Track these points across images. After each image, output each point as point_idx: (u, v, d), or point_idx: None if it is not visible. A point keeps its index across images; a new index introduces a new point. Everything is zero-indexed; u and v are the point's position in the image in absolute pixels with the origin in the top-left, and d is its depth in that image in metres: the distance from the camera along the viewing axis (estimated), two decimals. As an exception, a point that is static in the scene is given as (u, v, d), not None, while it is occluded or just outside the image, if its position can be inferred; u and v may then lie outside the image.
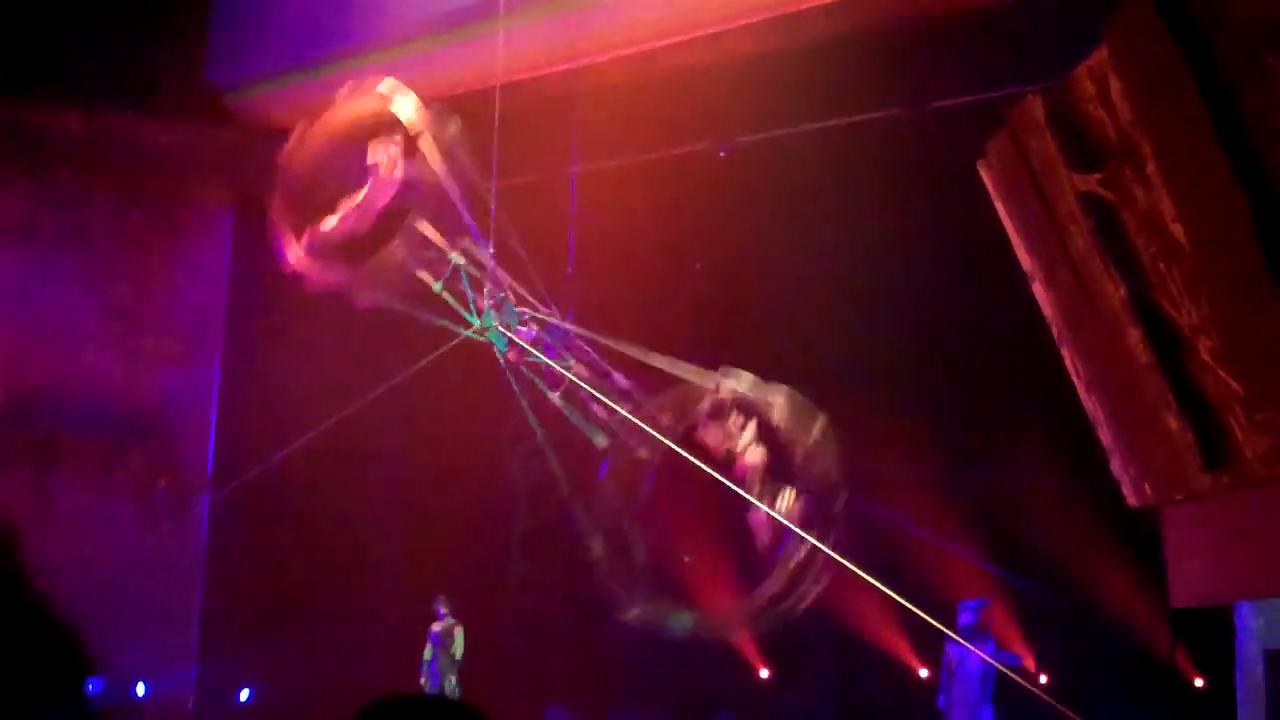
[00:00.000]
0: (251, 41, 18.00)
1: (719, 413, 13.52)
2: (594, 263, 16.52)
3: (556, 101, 16.36)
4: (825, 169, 16.22)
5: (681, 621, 13.75)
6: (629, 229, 16.70)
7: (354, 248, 14.21)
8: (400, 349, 16.74)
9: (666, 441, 13.27)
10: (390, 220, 14.09)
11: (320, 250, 14.11)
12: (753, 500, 12.95)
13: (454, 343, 14.57)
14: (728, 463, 13.35)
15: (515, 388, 14.31)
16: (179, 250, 18.92)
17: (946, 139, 14.07)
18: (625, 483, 13.82)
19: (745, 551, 13.66)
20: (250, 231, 19.30)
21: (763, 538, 13.24)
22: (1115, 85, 5.06)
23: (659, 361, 13.56)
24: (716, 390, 13.53)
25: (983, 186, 6.00)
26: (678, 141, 17.03)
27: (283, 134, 18.35)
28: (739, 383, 13.54)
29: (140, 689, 17.85)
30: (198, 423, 18.86)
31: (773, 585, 12.97)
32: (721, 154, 16.93)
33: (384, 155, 13.73)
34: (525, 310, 14.44)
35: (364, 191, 13.88)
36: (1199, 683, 16.40)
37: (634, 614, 13.53)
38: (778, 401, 13.37)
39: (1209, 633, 14.18)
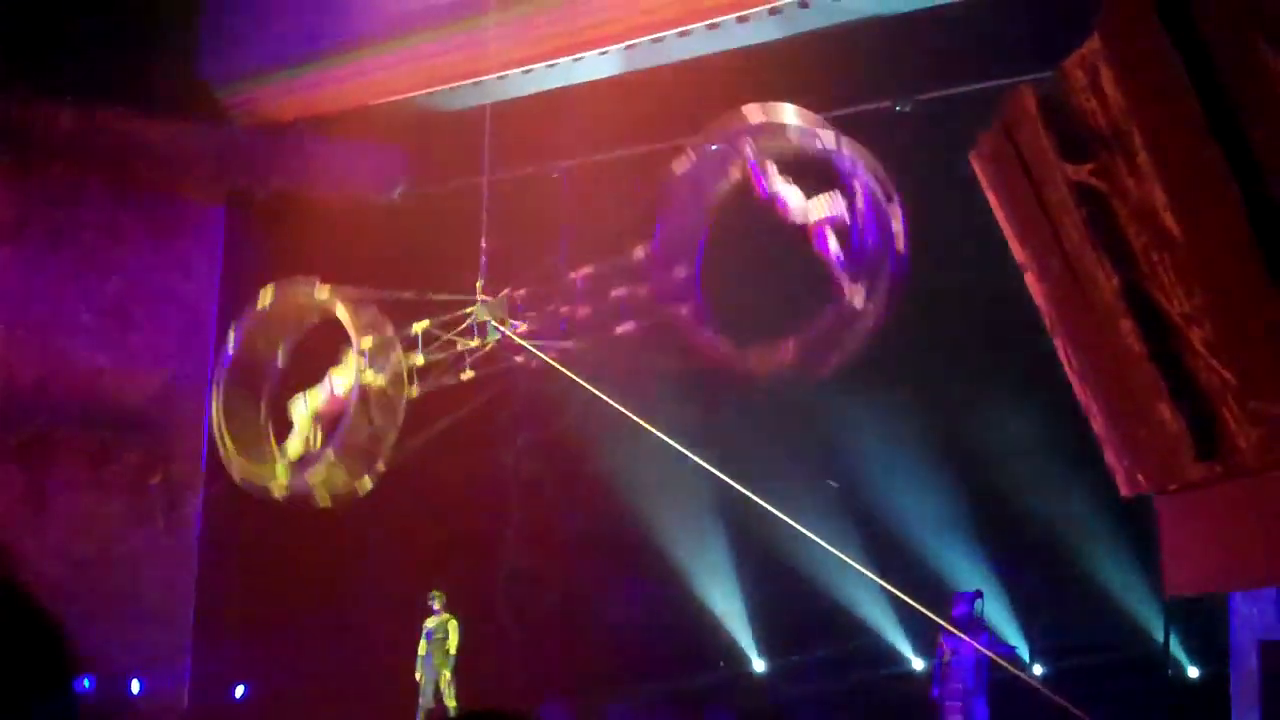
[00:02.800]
0: (243, 36, 17.96)
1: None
2: (587, 257, 16.50)
3: (549, 95, 16.35)
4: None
5: None
6: (621, 223, 16.69)
7: None
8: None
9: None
10: None
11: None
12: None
13: (447, 337, 14.58)
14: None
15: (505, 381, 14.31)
16: (171, 245, 18.87)
17: (938, 129, 14.08)
18: None
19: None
20: (242, 226, 19.28)
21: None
22: (1107, 75, 5.05)
23: None
24: None
25: (975, 177, 6.00)
26: (670, 135, 17.02)
27: (274, 129, 18.38)
28: None
29: (135, 686, 17.83)
30: (191, 419, 18.81)
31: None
32: (713, 149, 16.91)
33: None
34: (519, 304, 14.45)
35: None
36: (1193, 671, 16.44)
37: None
38: None
39: (1203, 622, 14.23)
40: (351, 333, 14.08)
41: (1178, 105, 4.78)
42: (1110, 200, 5.22)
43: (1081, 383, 5.87)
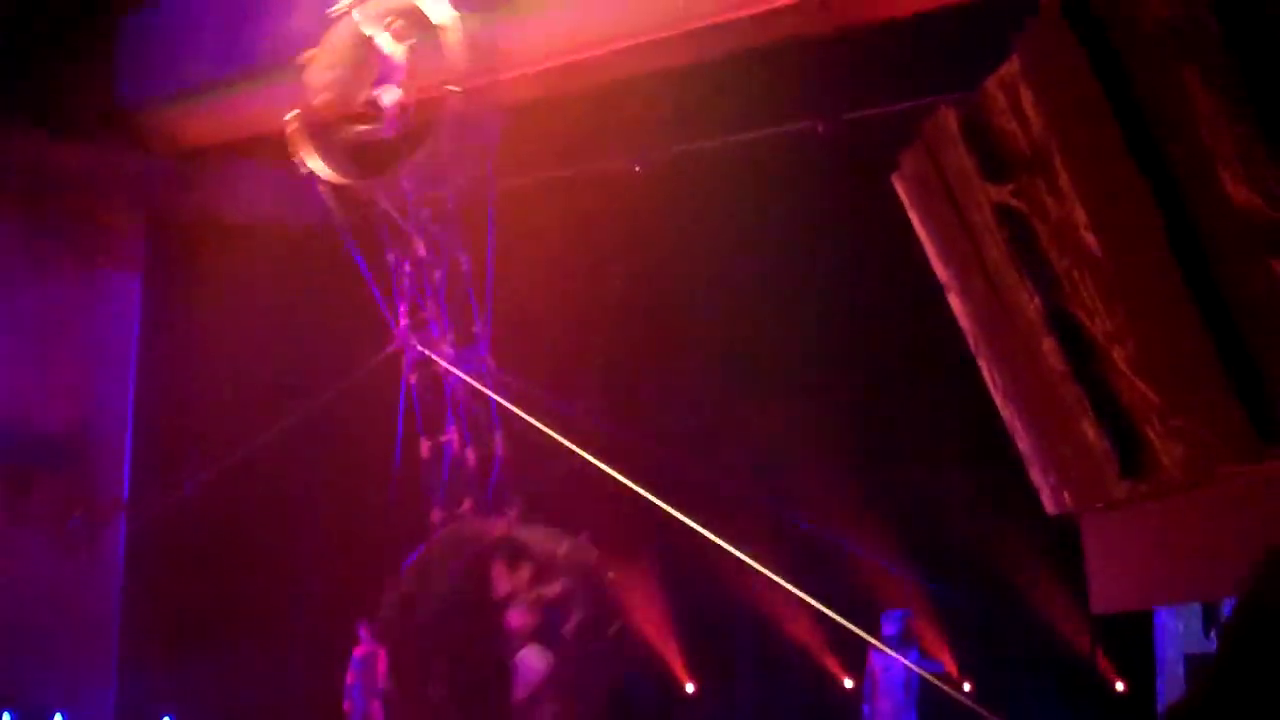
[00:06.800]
0: (162, 60, 17.75)
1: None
2: (511, 279, 16.43)
3: (470, 117, 16.25)
4: (740, 182, 16.25)
5: None
6: (545, 245, 16.65)
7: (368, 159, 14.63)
8: (320, 370, 16.60)
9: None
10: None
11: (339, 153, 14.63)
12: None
13: (370, 366, 14.49)
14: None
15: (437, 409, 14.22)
16: (89, 272, 18.61)
17: (861, 151, 14.13)
18: None
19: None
20: (162, 252, 19.06)
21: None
22: (1026, 96, 5.08)
23: None
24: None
25: (898, 198, 6.01)
26: (593, 157, 16.99)
27: (195, 153, 18.19)
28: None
29: (58, 719, 17.55)
30: (112, 448, 18.55)
31: None
32: (637, 169, 16.91)
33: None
34: (442, 331, 14.37)
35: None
36: (1120, 686, 16.55)
37: None
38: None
39: (1129, 637, 14.33)
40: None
41: (1097, 126, 4.81)
42: (1031, 220, 5.24)
43: (1006, 401, 5.90)
